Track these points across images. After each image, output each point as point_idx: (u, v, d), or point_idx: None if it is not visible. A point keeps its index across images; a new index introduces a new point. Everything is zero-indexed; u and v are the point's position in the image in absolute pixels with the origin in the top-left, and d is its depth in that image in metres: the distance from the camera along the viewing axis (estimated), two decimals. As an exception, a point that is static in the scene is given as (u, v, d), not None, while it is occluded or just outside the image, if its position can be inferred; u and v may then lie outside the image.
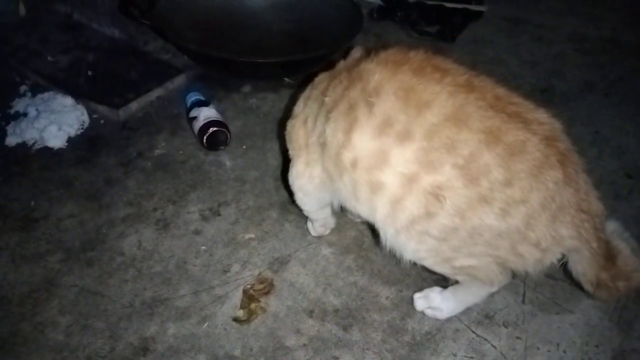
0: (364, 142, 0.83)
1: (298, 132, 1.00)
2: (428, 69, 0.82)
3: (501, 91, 0.82)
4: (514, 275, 0.93)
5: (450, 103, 0.78)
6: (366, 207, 0.89)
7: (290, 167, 1.05)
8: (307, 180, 1.01)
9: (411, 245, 0.87)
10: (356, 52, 1.03)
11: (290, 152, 1.04)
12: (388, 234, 0.88)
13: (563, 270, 0.95)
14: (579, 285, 0.96)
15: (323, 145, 0.91)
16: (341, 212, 1.12)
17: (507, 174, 0.77)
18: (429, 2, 1.97)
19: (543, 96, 1.60)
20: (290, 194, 1.09)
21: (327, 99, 0.90)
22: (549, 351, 0.97)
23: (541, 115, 0.81)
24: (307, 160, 0.98)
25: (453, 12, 1.94)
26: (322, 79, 0.99)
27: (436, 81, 0.80)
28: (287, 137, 1.05)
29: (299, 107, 1.03)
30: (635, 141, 1.45)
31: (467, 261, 0.87)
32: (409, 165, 0.80)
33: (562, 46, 1.88)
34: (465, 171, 0.78)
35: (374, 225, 0.93)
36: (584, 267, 0.89)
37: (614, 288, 0.91)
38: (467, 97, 0.79)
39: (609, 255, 0.89)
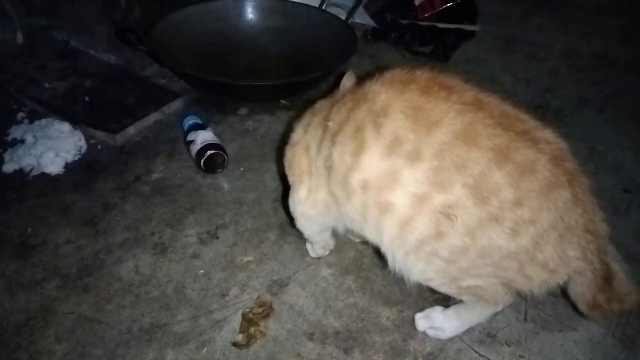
0: (373, 163, 0.83)
1: (300, 159, 0.99)
2: (435, 87, 0.81)
3: (508, 108, 0.82)
4: (517, 294, 0.92)
5: (459, 121, 0.78)
6: (374, 228, 0.88)
7: (290, 194, 1.04)
8: (310, 206, 0.99)
9: (420, 266, 0.86)
10: (348, 79, 1.03)
11: (291, 179, 1.03)
12: (397, 256, 0.87)
13: (560, 288, 0.94)
14: (572, 304, 0.95)
15: (330, 169, 0.90)
16: (341, 234, 1.12)
17: (517, 193, 0.76)
18: (422, 23, 1.99)
19: (538, 113, 1.59)
20: (290, 216, 1.08)
21: (331, 123, 0.90)
22: (553, 370, 0.96)
23: (549, 135, 0.80)
24: (311, 186, 0.97)
25: (446, 33, 1.96)
26: (322, 106, 0.99)
27: (444, 100, 0.80)
28: (286, 164, 1.04)
29: (298, 135, 1.02)
30: (632, 156, 1.46)
31: (474, 282, 0.86)
32: (419, 185, 0.79)
33: (555, 63, 1.90)
34: (476, 190, 0.77)
35: (375, 247, 0.92)
36: (584, 288, 0.88)
37: (608, 310, 0.90)
38: (475, 115, 0.78)
39: (607, 277, 0.88)
